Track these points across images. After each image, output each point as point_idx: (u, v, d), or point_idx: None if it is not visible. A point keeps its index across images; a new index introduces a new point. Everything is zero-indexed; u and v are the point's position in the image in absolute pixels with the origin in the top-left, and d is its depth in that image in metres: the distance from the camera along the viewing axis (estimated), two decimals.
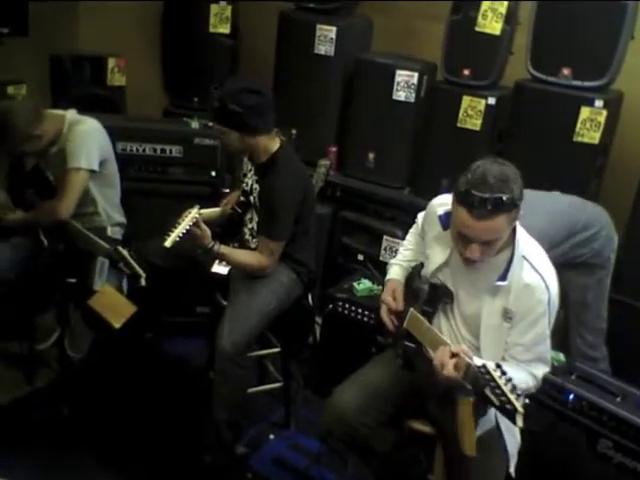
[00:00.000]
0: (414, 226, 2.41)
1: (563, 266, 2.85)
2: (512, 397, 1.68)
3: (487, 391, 1.73)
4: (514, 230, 1.97)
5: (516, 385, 1.71)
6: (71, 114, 2.98)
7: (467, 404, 1.88)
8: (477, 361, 1.83)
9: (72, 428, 2.90)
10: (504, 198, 1.80)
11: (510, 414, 1.72)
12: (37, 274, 2.98)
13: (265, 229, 2.67)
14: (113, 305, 2.64)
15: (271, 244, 2.65)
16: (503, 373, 1.71)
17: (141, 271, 2.56)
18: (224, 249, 2.63)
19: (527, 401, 1.73)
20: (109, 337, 3.04)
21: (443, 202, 2.14)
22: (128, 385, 3.17)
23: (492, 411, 1.95)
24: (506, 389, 1.69)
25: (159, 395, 3.16)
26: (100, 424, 2.93)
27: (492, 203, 1.79)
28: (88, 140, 2.90)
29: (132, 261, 2.57)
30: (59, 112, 2.99)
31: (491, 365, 1.73)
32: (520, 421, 1.71)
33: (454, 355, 1.87)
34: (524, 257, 1.97)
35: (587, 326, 2.99)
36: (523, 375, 1.98)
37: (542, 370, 2.03)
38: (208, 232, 2.55)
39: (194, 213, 2.47)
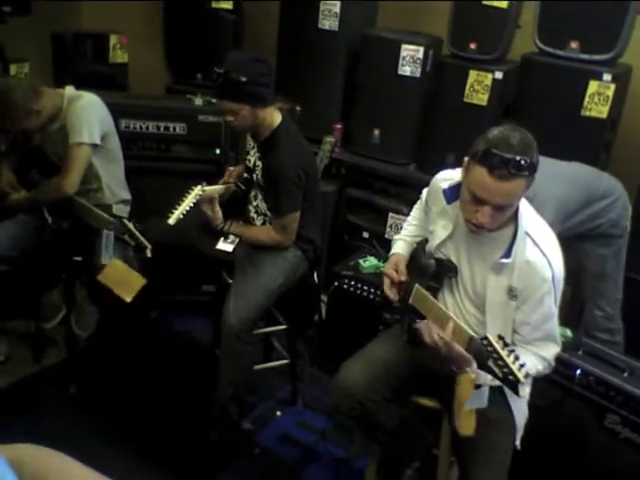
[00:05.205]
0: (418, 202, 2.39)
1: (581, 237, 2.83)
2: (514, 368, 1.68)
3: (490, 363, 1.74)
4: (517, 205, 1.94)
5: (519, 356, 1.70)
6: (69, 90, 2.95)
7: (466, 381, 1.88)
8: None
9: (80, 406, 2.92)
10: (527, 161, 1.77)
11: (513, 385, 1.72)
12: (42, 252, 2.98)
13: (274, 206, 2.69)
14: (123, 279, 2.62)
15: (282, 220, 2.66)
16: (505, 345, 1.71)
17: (146, 242, 2.53)
18: (235, 228, 2.71)
19: (529, 373, 1.74)
20: (115, 314, 3.06)
21: (447, 177, 2.12)
22: (135, 363, 3.18)
23: (486, 388, 1.95)
24: (509, 360, 1.69)
25: (165, 373, 3.17)
26: (107, 402, 2.94)
27: (514, 165, 1.76)
28: (88, 114, 2.87)
29: (137, 232, 2.54)
30: (57, 89, 2.97)
31: (494, 337, 1.73)
32: (522, 391, 1.72)
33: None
34: (527, 233, 1.93)
35: (605, 297, 2.95)
36: (530, 360, 1.95)
37: (552, 350, 2.01)
38: (219, 213, 2.65)
39: (197, 190, 2.53)
